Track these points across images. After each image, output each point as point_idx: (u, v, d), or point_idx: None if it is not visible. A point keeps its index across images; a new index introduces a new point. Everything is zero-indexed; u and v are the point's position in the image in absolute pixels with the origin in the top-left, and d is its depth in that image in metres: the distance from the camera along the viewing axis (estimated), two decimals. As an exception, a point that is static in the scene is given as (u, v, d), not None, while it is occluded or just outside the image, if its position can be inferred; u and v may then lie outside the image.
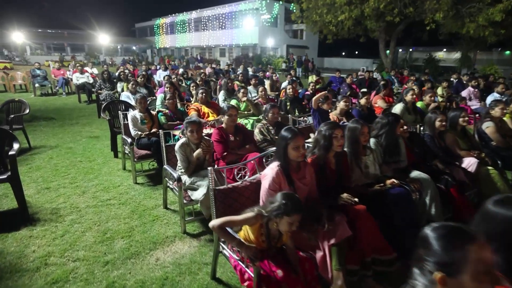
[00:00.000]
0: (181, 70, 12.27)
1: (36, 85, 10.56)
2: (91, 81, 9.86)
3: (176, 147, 2.79)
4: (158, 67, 13.81)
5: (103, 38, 35.67)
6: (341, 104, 4.20)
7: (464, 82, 9.15)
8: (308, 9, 16.54)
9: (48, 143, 5.40)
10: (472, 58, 20.38)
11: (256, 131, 3.54)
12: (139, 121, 4.06)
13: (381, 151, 2.93)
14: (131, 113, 4.09)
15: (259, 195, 2.19)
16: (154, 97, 6.22)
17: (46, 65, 27.11)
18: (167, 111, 4.36)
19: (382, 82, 6.54)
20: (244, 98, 4.95)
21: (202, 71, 15.27)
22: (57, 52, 34.55)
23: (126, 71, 10.08)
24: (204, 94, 4.65)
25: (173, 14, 39.21)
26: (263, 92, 5.39)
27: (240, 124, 3.45)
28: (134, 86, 5.96)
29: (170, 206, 3.26)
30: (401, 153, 3.00)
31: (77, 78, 9.71)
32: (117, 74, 10.74)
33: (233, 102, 5.01)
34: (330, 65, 32.80)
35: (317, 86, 7.73)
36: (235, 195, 2.18)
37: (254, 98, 5.53)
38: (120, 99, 6.40)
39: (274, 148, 2.37)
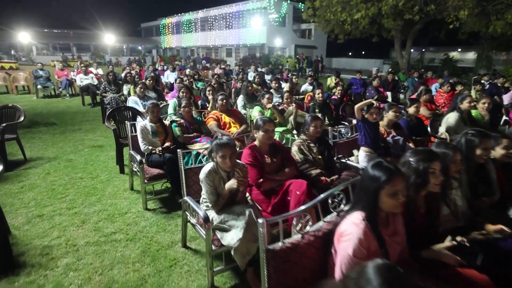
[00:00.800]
0: (188, 71, 11.66)
1: (39, 86, 10.00)
2: (96, 82, 9.28)
3: (202, 176, 2.13)
4: (165, 67, 13.20)
5: (109, 38, 35.29)
6: (389, 114, 3.51)
7: (499, 84, 8.39)
8: (321, 7, 15.82)
9: (46, 154, 4.79)
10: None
11: (295, 149, 2.87)
12: (150, 133, 3.42)
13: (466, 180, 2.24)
14: (140, 124, 3.44)
15: (325, 252, 1.54)
16: (165, 103, 5.59)
17: (52, 66, 26.85)
18: (182, 121, 3.71)
19: (422, 87, 5.81)
20: (270, 105, 4.29)
21: (214, 72, 14.69)
22: (63, 52, 34.20)
23: (133, 72, 9.48)
24: (224, 101, 3.99)
25: (179, 14, 38.75)
26: (288, 98, 4.70)
27: (277, 142, 2.79)
28: (142, 89, 5.31)
29: (190, 244, 2.61)
30: (491, 183, 2.31)
31: (81, 80, 9.13)
32: (123, 75, 10.21)
33: (257, 109, 4.35)
34: (338, 66, 31.99)
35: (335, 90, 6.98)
36: (295, 257, 1.51)
37: (277, 104, 4.87)
38: (127, 104, 5.81)
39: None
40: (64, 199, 3.38)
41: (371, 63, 33.94)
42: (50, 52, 34.75)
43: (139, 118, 4.43)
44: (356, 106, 3.46)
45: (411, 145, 3.54)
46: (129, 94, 6.75)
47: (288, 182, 2.44)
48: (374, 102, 3.51)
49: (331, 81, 9.20)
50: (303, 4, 31.75)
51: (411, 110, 3.89)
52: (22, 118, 4.56)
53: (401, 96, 10.35)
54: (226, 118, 3.95)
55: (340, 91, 6.05)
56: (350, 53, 42.49)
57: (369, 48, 41.44)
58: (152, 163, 3.29)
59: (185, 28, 38.01)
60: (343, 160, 3.09)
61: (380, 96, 7.13)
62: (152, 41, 43.46)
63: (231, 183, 2.08)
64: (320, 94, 4.99)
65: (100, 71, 12.43)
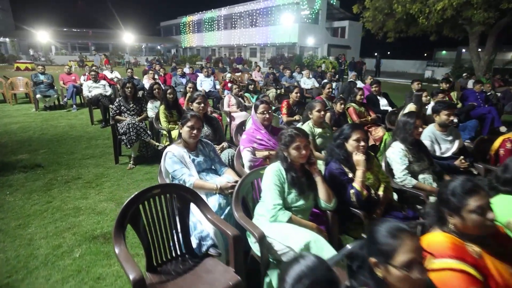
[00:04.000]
0: (228, 75, 9.15)
1: (38, 95, 7.73)
2: (109, 92, 6.88)
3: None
4: (195, 70, 10.75)
5: (128, 37, 33.52)
6: None
7: None
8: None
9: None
10: None
11: None
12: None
13: None
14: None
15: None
16: (226, 146, 3.07)
17: (69, 66, 24.97)
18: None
19: None
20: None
21: (252, 77, 12.12)
22: (82, 52, 32.66)
23: (159, 82, 6.99)
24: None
25: (201, 12, 36.58)
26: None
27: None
28: (193, 129, 2.59)
29: None
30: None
31: (89, 88, 6.75)
32: (145, 82, 7.77)
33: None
34: (371, 67, 28.74)
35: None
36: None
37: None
38: (159, 148, 3.33)
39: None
40: None
41: (410, 65, 30.59)
42: (68, 52, 33.31)
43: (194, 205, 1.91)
44: None
45: None
46: (157, 119, 4.27)
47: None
48: None
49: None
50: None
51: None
52: None
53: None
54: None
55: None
56: (388, 53, 38.98)
57: (405, 48, 38.00)
58: None
59: (207, 26, 35.83)
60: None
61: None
62: (171, 40, 41.59)
63: None
64: None
65: (118, 75, 10.13)
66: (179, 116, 4.21)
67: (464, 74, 13.48)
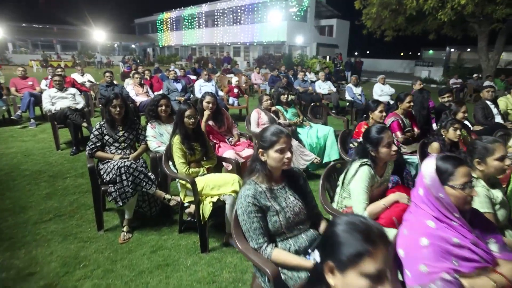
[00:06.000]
0: (235, 79, 7.45)
1: (-21, 107, 5.67)
2: (81, 104, 4.98)
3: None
4: (186, 72, 8.95)
5: (99, 34, 30.67)
6: None
7: None
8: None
9: None
10: None
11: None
12: None
13: None
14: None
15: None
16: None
17: (30, 66, 22.11)
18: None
19: None
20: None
21: (253, 81, 10.55)
22: (45, 50, 29.41)
23: (167, 96, 5.23)
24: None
25: (180, 8, 34.30)
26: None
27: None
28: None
29: None
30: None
31: (52, 100, 4.81)
32: (130, 91, 5.89)
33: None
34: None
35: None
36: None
37: None
38: (171, 203, 1.86)
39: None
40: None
41: (398, 65, 30.09)
42: (29, 50, 29.91)
43: None
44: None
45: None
46: (167, 158, 2.55)
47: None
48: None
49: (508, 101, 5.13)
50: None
51: None
52: None
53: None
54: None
55: None
56: (368, 52, 38.58)
57: (388, 47, 37.71)
58: None
59: (187, 23, 33.67)
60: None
61: None
62: (147, 39, 38.94)
63: None
64: None
65: (90, 78, 8.15)
66: (204, 151, 2.53)
67: (474, 75, 12.61)
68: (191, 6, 33.02)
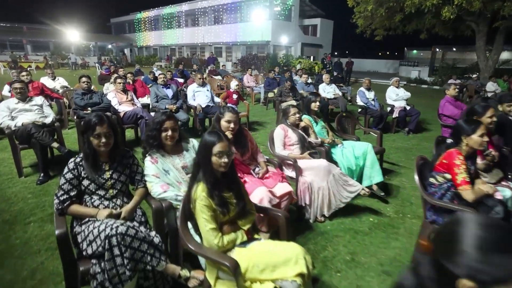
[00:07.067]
0: (235, 83, 6.60)
1: None
2: (50, 117, 3.96)
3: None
4: (173, 74, 7.99)
5: (73, 34, 28.73)
6: None
7: None
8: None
9: None
10: None
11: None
12: None
13: None
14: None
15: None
16: None
17: (-5, 68, 20.19)
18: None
19: None
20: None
21: (247, 84, 9.74)
22: (14, 51, 27.23)
23: (173, 116, 4.32)
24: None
25: (158, 7, 32.87)
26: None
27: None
28: None
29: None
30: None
31: (11, 114, 3.78)
32: (111, 98, 4.88)
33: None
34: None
35: None
36: None
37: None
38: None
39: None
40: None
41: (382, 65, 30.09)
42: (-4, 51, 27.62)
43: None
44: None
45: None
46: (185, 219, 1.69)
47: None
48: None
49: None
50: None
51: None
52: None
53: None
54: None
55: None
56: (346, 52, 38.50)
57: (371, 47, 37.89)
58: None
59: (166, 23, 32.33)
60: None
61: None
62: (124, 39, 37.17)
63: None
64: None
65: (64, 82, 7.09)
66: (242, 206, 1.68)
67: (474, 75, 12.34)
68: (170, 5, 31.72)
